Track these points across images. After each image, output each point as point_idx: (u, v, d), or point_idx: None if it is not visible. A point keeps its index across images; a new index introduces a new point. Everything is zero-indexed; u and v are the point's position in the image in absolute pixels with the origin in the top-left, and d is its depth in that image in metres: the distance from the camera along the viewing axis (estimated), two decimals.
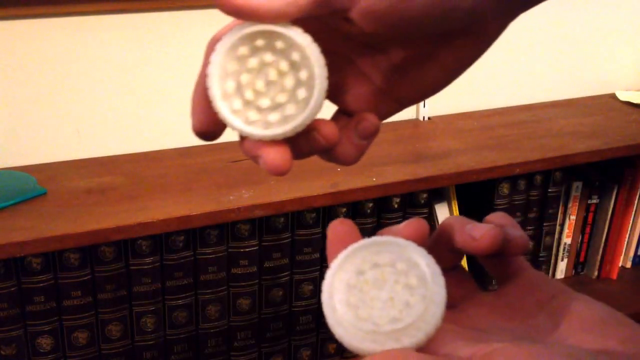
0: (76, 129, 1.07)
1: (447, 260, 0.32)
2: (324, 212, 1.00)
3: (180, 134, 1.12)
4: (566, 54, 1.41)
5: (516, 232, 0.33)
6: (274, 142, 0.31)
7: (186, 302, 0.97)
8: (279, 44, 0.30)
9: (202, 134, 0.32)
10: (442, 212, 1.11)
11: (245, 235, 0.96)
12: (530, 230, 1.20)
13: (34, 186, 0.94)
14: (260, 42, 0.30)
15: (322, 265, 1.03)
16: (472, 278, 0.36)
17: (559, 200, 1.22)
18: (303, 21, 0.30)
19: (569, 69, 1.42)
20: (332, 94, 0.34)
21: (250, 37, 0.30)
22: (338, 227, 0.32)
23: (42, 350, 0.91)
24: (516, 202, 1.16)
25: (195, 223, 0.89)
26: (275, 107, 0.31)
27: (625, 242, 1.31)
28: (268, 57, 0.30)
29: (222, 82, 0.30)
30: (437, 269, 0.29)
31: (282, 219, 0.97)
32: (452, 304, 0.32)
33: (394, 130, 1.19)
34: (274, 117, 0.31)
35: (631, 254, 1.34)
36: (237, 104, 0.31)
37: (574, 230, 1.26)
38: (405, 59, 0.33)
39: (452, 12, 0.29)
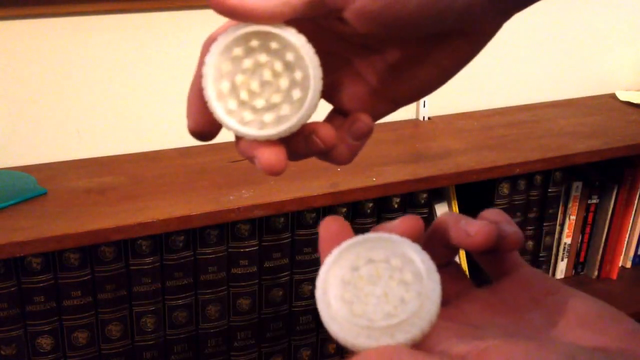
0: (76, 129, 1.07)
1: (441, 256, 0.32)
2: (324, 212, 1.00)
3: (180, 134, 1.12)
4: (566, 54, 1.41)
5: (511, 228, 0.33)
6: (269, 142, 0.31)
7: (186, 302, 0.97)
8: (274, 45, 0.30)
9: (197, 134, 0.32)
10: (442, 212, 1.11)
11: (245, 235, 0.96)
12: (530, 230, 1.20)
13: (34, 186, 0.94)
14: (254, 43, 0.30)
15: None
16: (467, 274, 0.36)
17: (559, 200, 1.22)
18: (297, 22, 0.30)
19: (569, 69, 1.42)
20: (327, 94, 0.35)
21: (245, 38, 0.30)
22: (331, 225, 0.32)
23: (42, 350, 0.91)
24: (516, 202, 1.16)
25: (195, 223, 0.89)
26: (270, 107, 0.31)
27: (625, 242, 1.31)
28: (263, 57, 0.30)
29: (217, 83, 0.30)
30: (432, 265, 0.29)
31: (282, 219, 0.97)
32: (447, 300, 0.32)
33: (394, 130, 1.19)
34: (268, 117, 0.31)
35: (631, 254, 1.34)
36: (232, 104, 0.31)
37: (574, 230, 1.26)
38: (400, 59, 0.33)
39: (446, 12, 0.29)
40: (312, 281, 1.03)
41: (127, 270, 0.92)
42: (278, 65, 0.30)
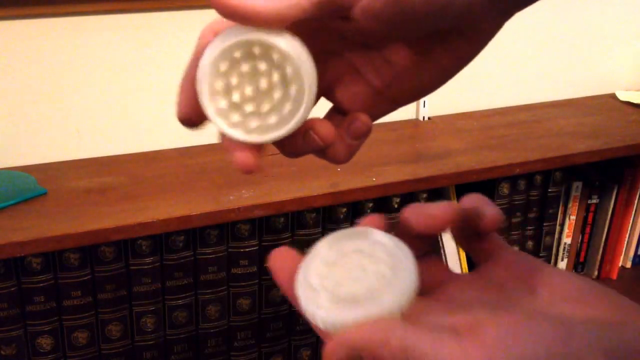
0: (76, 129, 1.07)
1: (415, 248, 0.33)
2: (324, 212, 1.00)
3: (180, 134, 1.12)
4: (566, 54, 1.41)
5: (489, 208, 0.34)
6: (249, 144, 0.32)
7: (186, 302, 0.97)
8: (276, 56, 0.30)
9: (185, 121, 0.32)
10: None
11: (245, 235, 0.96)
12: (530, 230, 1.21)
13: (34, 186, 0.94)
14: (257, 50, 0.30)
15: None
16: (447, 264, 0.36)
17: (559, 200, 1.22)
18: (301, 21, 0.30)
19: (569, 69, 1.42)
20: (327, 93, 0.35)
21: (248, 44, 0.30)
22: (279, 258, 0.34)
23: (42, 350, 0.91)
24: (516, 202, 1.16)
25: (195, 223, 0.89)
26: (259, 114, 0.31)
27: (625, 242, 1.31)
28: (262, 66, 0.30)
29: (212, 79, 0.30)
30: (401, 244, 0.31)
31: (282, 219, 0.97)
32: (431, 287, 0.33)
33: (394, 130, 1.19)
34: (255, 123, 0.31)
35: (631, 254, 1.34)
36: (223, 103, 0.31)
37: (574, 230, 1.26)
38: (400, 59, 0.33)
39: (447, 8, 0.29)
40: None
41: (127, 270, 0.92)
42: (275, 77, 0.31)
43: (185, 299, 0.97)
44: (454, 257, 1.10)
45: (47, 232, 0.82)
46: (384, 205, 1.04)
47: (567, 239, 1.26)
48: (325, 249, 0.32)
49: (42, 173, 0.99)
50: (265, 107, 0.31)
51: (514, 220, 1.18)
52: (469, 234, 0.35)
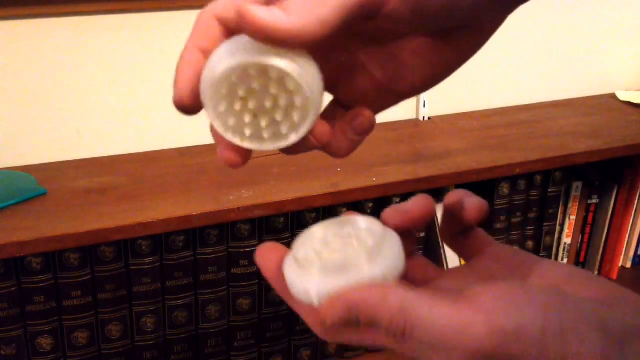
0: (76, 129, 1.07)
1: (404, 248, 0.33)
2: (324, 212, 1.00)
3: (180, 134, 1.12)
4: (566, 53, 1.41)
5: (472, 199, 0.34)
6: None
7: (186, 302, 0.97)
8: (290, 84, 0.29)
9: (181, 107, 0.31)
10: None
11: (245, 235, 0.96)
12: (530, 230, 1.21)
13: (34, 186, 0.94)
14: (273, 74, 0.29)
15: None
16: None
17: (559, 200, 1.22)
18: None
19: (569, 69, 1.42)
20: (330, 87, 0.35)
21: (264, 67, 0.29)
22: (265, 252, 0.35)
23: (42, 350, 0.91)
24: (516, 202, 1.16)
25: (195, 223, 0.89)
26: (255, 126, 0.31)
27: (625, 242, 1.31)
28: (273, 89, 0.30)
29: (219, 83, 0.30)
30: (387, 228, 0.32)
31: (282, 219, 0.97)
32: (424, 281, 0.33)
33: (394, 130, 1.19)
34: (249, 132, 0.31)
35: (631, 254, 1.34)
36: (223, 106, 0.31)
37: (574, 230, 1.26)
38: (407, 54, 0.33)
39: (460, 4, 0.29)
40: None
41: (127, 270, 0.92)
42: (282, 101, 0.30)
43: (185, 299, 0.97)
44: (455, 262, 1.10)
45: (47, 232, 0.82)
46: (384, 205, 1.03)
47: (567, 239, 1.26)
48: (314, 233, 0.33)
49: (42, 173, 0.99)
50: (263, 122, 0.31)
51: (514, 220, 1.18)
52: (456, 232, 0.35)
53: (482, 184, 1.09)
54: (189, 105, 0.31)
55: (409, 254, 0.33)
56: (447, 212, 0.35)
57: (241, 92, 0.30)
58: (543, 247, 1.23)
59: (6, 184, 0.94)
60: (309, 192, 0.93)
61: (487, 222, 1.15)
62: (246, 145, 0.31)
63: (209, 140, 1.23)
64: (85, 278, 0.90)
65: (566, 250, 1.27)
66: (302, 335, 1.07)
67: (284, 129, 0.31)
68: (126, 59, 1.07)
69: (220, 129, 0.31)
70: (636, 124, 1.25)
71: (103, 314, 0.93)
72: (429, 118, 1.27)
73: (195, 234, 0.93)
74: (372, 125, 0.34)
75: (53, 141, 1.06)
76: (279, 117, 0.31)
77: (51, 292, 0.89)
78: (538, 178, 1.17)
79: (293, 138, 0.31)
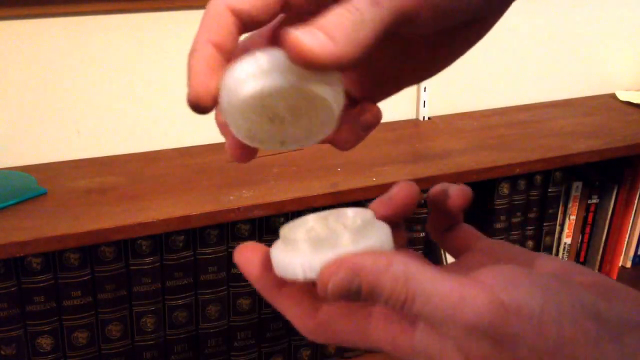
0: (76, 129, 1.07)
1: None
2: None
3: (180, 134, 1.12)
4: (566, 53, 1.41)
5: (455, 186, 0.34)
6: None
7: (186, 302, 0.97)
8: (319, 103, 0.29)
9: (197, 107, 0.29)
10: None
11: (245, 235, 0.96)
12: (530, 230, 1.21)
13: (34, 186, 0.94)
14: (309, 96, 0.28)
15: None
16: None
17: (559, 200, 1.22)
18: None
19: (569, 69, 1.42)
20: None
21: (297, 90, 0.28)
22: (244, 252, 0.34)
23: (42, 350, 0.91)
24: (516, 202, 1.16)
25: (195, 223, 0.89)
26: (267, 131, 0.31)
27: (625, 242, 1.31)
28: (301, 105, 0.29)
29: (251, 100, 0.28)
30: (378, 220, 0.32)
31: (282, 219, 0.97)
32: None
33: (394, 130, 1.19)
34: (265, 136, 0.31)
35: (631, 254, 1.34)
36: (243, 116, 0.30)
37: (574, 230, 1.26)
38: (413, 49, 0.33)
39: (471, 2, 0.30)
40: None
41: (127, 270, 0.92)
42: (306, 114, 0.30)
43: (185, 299, 0.97)
44: None
45: (47, 232, 0.82)
46: None
47: (567, 239, 1.26)
48: (304, 220, 0.33)
49: (42, 173, 0.99)
50: (275, 129, 0.31)
51: (514, 220, 1.18)
52: (443, 227, 0.35)
53: (482, 184, 1.09)
54: (207, 106, 0.29)
55: (398, 246, 0.33)
56: (432, 205, 0.35)
57: (266, 106, 0.29)
58: (543, 247, 1.24)
59: (6, 184, 0.94)
60: (308, 192, 0.93)
61: (487, 222, 1.16)
62: (259, 146, 0.31)
63: (209, 140, 1.23)
64: (85, 278, 0.90)
65: (566, 250, 1.27)
66: (302, 335, 1.06)
67: (301, 135, 0.31)
68: (126, 59, 1.07)
69: (235, 132, 0.30)
70: (636, 124, 1.25)
71: (103, 314, 0.93)
72: (428, 118, 1.27)
73: (195, 234, 0.93)
74: (378, 120, 0.34)
75: (53, 141, 1.06)
76: (299, 125, 0.30)
77: (51, 292, 0.89)
78: (538, 178, 1.17)
79: (309, 143, 0.31)
